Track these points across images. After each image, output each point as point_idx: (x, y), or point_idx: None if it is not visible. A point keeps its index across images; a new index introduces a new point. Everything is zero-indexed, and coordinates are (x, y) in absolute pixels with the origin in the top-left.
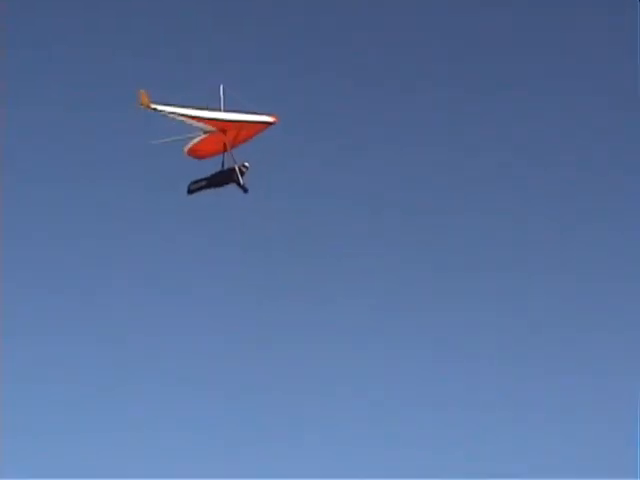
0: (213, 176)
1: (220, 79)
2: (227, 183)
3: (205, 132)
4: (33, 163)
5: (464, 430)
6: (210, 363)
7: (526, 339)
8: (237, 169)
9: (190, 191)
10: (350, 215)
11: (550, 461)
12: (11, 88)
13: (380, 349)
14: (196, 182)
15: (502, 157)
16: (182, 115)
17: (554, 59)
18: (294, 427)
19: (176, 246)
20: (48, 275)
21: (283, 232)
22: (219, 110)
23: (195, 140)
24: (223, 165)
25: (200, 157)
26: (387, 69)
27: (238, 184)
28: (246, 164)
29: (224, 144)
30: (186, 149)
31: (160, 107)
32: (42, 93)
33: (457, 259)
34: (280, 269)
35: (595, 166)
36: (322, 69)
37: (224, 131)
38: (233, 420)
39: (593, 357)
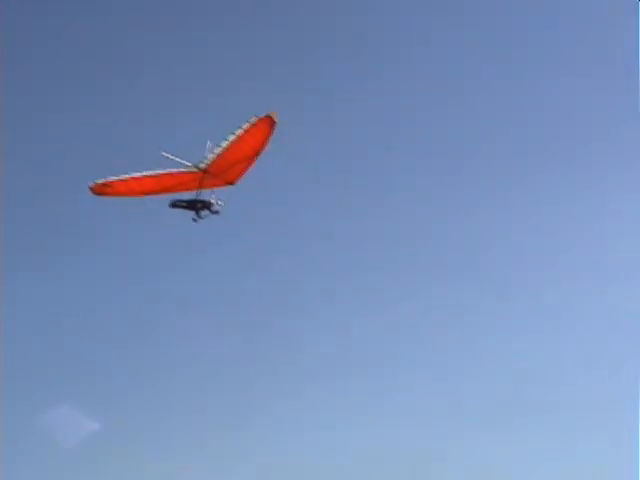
0: (193, 201)
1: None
2: (203, 209)
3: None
4: None
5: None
6: None
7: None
8: (215, 202)
9: (173, 205)
10: None
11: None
12: None
13: None
14: (179, 201)
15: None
16: None
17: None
18: None
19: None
20: None
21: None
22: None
23: (133, 175)
24: (198, 195)
25: (110, 195)
26: None
27: (211, 211)
28: (220, 202)
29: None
30: (102, 183)
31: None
32: None
33: None
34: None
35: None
36: None
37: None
38: None
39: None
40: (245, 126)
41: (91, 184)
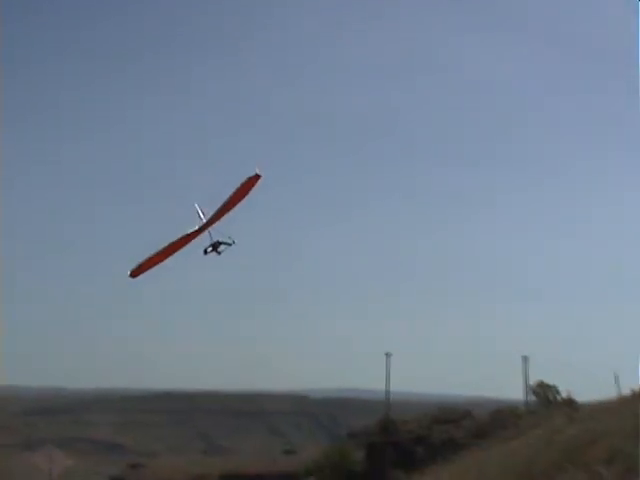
0: (213, 244)
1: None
2: (220, 245)
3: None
4: None
5: None
6: None
7: None
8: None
9: (205, 252)
10: None
11: None
12: None
13: None
14: (207, 248)
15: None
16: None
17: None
18: None
19: None
20: None
21: None
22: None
23: (157, 251)
24: (211, 238)
25: (147, 270)
26: None
27: (227, 244)
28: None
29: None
30: (137, 268)
31: None
32: None
33: None
34: None
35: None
36: None
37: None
38: None
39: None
40: (237, 187)
41: (129, 272)
